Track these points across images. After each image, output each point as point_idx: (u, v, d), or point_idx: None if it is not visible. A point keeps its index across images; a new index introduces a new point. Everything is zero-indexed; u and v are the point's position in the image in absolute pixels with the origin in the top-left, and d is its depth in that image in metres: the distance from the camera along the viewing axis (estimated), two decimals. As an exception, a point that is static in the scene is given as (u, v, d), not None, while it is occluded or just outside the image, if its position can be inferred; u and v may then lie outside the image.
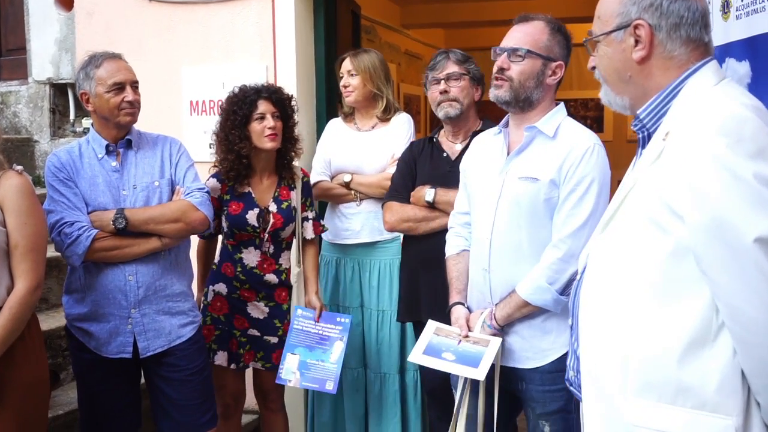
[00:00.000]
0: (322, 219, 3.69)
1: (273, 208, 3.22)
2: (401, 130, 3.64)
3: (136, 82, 2.84)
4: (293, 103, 3.30)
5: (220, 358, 3.24)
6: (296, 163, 3.38)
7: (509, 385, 2.54)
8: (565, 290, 2.41)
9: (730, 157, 1.40)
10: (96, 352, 2.82)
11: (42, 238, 2.52)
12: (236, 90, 3.21)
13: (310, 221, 3.36)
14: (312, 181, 3.69)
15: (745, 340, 1.41)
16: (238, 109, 3.13)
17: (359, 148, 3.64)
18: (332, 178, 3.68)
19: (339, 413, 3.76)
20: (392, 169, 3.45)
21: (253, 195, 3.21)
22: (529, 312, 2.46)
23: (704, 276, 1.44)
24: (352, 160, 3.63)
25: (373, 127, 3.70)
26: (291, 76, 3.97)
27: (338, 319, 3.29)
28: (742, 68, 2.49)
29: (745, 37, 2.52)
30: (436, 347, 2.52)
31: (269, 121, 3.13)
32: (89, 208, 2.77)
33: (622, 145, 8.64)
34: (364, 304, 3.68)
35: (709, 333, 1.46)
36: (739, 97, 1.52)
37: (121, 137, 2.85)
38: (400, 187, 3.27)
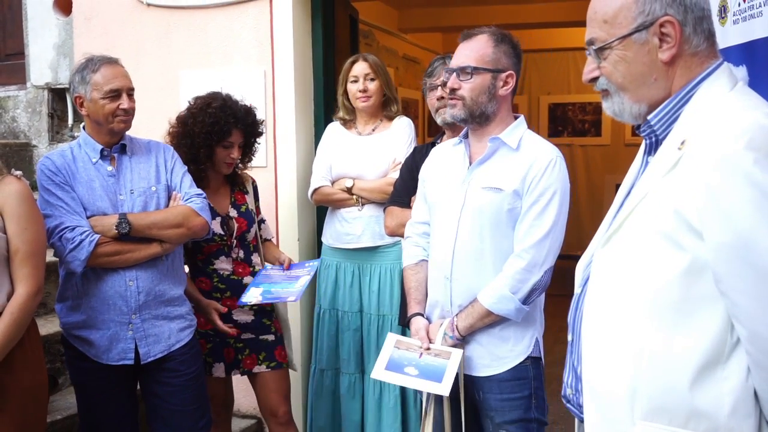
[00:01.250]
0: (323, 223, 3.72)
1: (233, 213, 3.23)
2: (402, 134, 3.64)
3: (132, 89, 2.82)
4: (261, 129, 3.32)
5: (218, 370, 3.21)
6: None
7: (467, 393, 2.54)
8: (527, 300, 2.45)
9: (759, 174, 1.32)
10: (96, 360, 2.79)
11: (42, 243, 2.52)
12: (216, 106, 3.14)
13: (266, 222, 3.44)
14: (313, 186, 3.71)
15: (764, 365, 1.35)
16: (213, 133, 3.11)
17: (361, 153, 3.65)
18: (333, 183, 3.69)
19: (336, 418, 3.75)
20: (394, 174, 3.46)
21: (211, 205, 3.18)
22: (491, 321, 2.48)
23: (724, 297, 1.37)
24: (354, 164, 3.63)
25: (373, 131, 3.70)
26: (289, 80, 3.97)
27: (306, 264, 3.31)
28: (739, 73, 2.50)
29: (742, 42, 2.52)
30: (398, 362, 2.50)
31: (234, 152, 3.16)
32: (87, 213, 2.75)
33: (620, 149, 8.66)
34: (363, 309, 3.67)
35: (722, 354, 1.40)
36: (761, 106, 1.44)
37: (115, 142, 2.83)
38: (402, 193, 3.28)
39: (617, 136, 8.69)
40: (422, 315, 2.64)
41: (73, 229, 2.68)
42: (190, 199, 2.87)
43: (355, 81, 3.63)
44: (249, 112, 3.24)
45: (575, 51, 8.48)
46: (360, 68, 3.62)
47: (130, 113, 2.79)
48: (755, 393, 1.40)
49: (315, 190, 3.70)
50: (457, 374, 2.46)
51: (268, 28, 4.00)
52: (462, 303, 2.52)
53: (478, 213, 2.48)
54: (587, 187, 8.78)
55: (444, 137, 3.28)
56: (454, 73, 2.51)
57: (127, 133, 2.90)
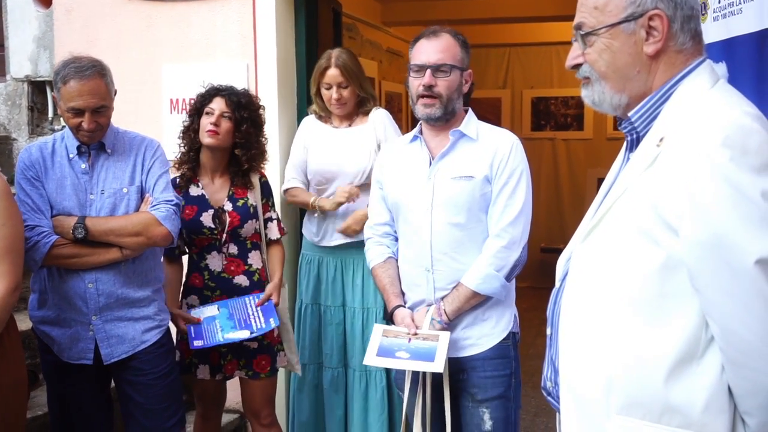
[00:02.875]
0: (301, 220, 3.71)
1: (228, 207, 3.17)
2: (380, 127, 3.63)
3: (101, 106, 2.69)
4: (261, 112, 3.27)
5: (203, 372, 3.19)
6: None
7: (451, 377, 2.61)
8: (509, 276, 2.59)
9: (734, 172, 1.33)
10: (58, 356, 2.78)
11: (20, 239, 2.49)
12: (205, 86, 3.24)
13: (275, 221, 3.32)
14: (284, 186, 3.72)
15: (737, 362, 1.37)
16: (197, 100, 3.17)
17: (338, 148, 3.63)
18: (311, 181, 3.69)
19: (319, 413, 3.75)
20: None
21: (206, 197, 3.17)
22: (476, 302, 2.58)
23: (698, 294, 1.39)
24: (332, 160, 3.62)
25: (350, 125, 3.69)
26: (272, 74, 3.96)
27: (270, 320, 3.13)
28: (719, 69, 2.52)
29: (722, 38, 2.55)
30: (389, 348, 2.56)
31: (212, 117, 3.11)
32: (53, 212, 2.73)
33: (602, 143, 8.68)
34: (346, 303, 3.67)
35: (696, 350, 1.41)
36: (741, 104, 1.45)
37: (93, 142, 2.79)
38: None
39: (599, 131, 8.71)
40: (403, 306, 2.68)
41: (33, 228, 2.66)
42: (157, 205, 2.80)
43: (329, 88, 3.59)
44: (234, 87, 3.23)
45: (558, 45, 8.49)
46: (332, 76, 3.57)
47: (94, 130, 2.71)
48: (729, 389, 1.41)
49: (285, 191, 3.74)
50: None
51: (251, 21, 3.98)
52: (445, 291, 2.60)
53: (451, 202, 2.57)
54: (569, 180, 8.80)
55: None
56: (428, 70, 2.55)
57: (117, 125, 2.86)
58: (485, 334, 2.62)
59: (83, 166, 2.78)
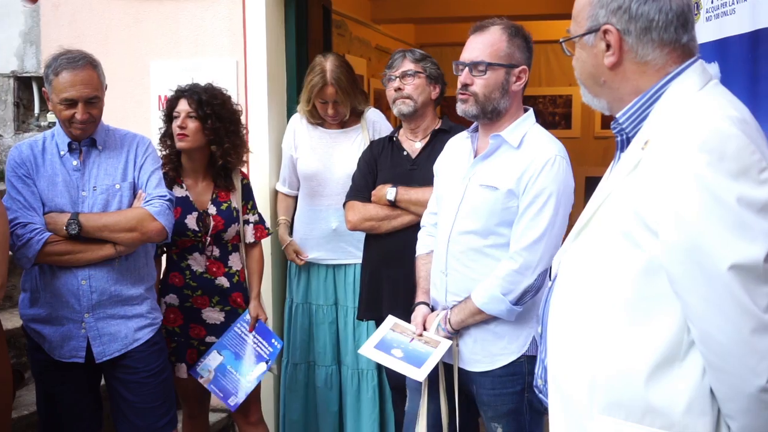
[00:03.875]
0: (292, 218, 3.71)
1: (212, 210, 3.16)
2: (372, 128, 3.62)
3: (94, 96, 2.69)
4: (230, 104, 3.22)
5: (180, 371, 3.18)
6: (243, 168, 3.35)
7: (463, 386, 2.56)
8: (519, 301, 2.43)
9: (710, 177, 1.33)
10: (49, 355, 2.76)
11: (4, 237, 2.47)
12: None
13: (251, 225, 3.29)
14: (277, 187, 3.73)
15: (716, 366, 1.38)
16: (166, 106, 3.15)
17: (330, 150, 3.61)
18: (300, 183, 3.70)
19: (310, 412, 3.74)
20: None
21: (190, 198, 3.14)
22: (482, 319, 2.48)
23: (677, 297, 1.40)
24: (323, 163, 3.60)
25: (342, 126, 3.66)
26: (262, 71, 3.93)
27: (273, 341, 3.22)
28: (711, 69, 2.50)
29: (714, 38, 2.55)
30: (388, 343, 2.55)
31: (179, 121, 3.09)
32: (45, 209, 2.71)
33: (590, 141, 8.71)
34: (338, 301, 3.66)
35: (678, 352, 1.42)
36: (725, 107, 1.44)
37: (85, 136, 2.77)
38: (362, 187, 3.27)
39: (587, 129, 8.74)
40: (427, 304, 2.65)
41: (25, 225, 2.63)
42: (150, 200, 2.78)
43: (325, 103, 3.56)
44: (197, 85, 3.17)
45: (546, 44, 8.50)
46: (329, 94, 3.53)
47: (87, 122, 2.70)
48: (712, 392, 1.41)
49: (277, 193, 3.78)
50: (451, 365, 2.51)
51: (240, 17, 3.95)
52: (457, 297, 2.52)
53: (474, 210, 2.47)
54: (557, 179, 8.84)
55: (401, 130, 3.29)
56: (466, 68, 2.47)
57: (106, 122, 2.84)
58: (497, 352, 2.50)
59: (75, 163, 2.76)
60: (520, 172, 2.41)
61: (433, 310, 2.63)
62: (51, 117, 4.38)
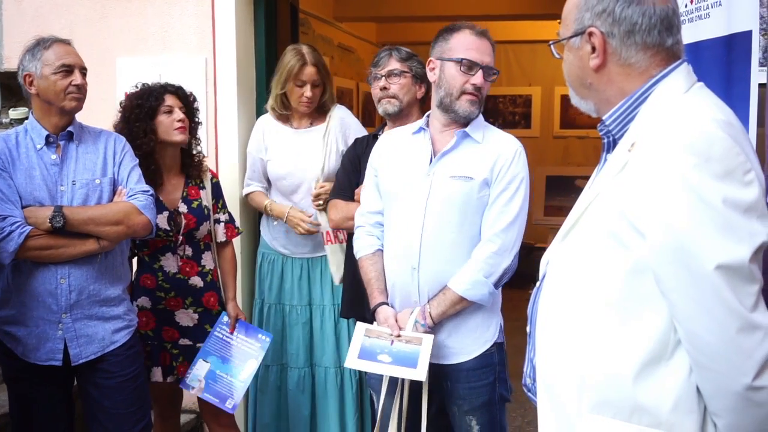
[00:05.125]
0: (260, 217, 3.69)
1: (183, 208, 3.13)
2: (340, 125, 3.60)
3: (85, 68, 2.74)
4: (195, 104, 3.24)
5: (156, 374, 3.14)
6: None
7: (434, 383, 2.59)
8: (498, 283, 2.54)
9: (696, 178, 1.36)
10: (23, 359, 2.68)
11: None
12: (139, 86, 3.14)
13: (222, 224, 3.27)
14: (244, 191, 3.69)
15: (702, 365, 1.40)
16: (144, 102, 3.05)
17: (299, 150, 3.58)
18: (271, 182, 3.66)
19: (282, 414, 3.71)
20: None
21: (160, 198, 3.09)
22: (462, 308, 2.53)
23: (664, 297, 1.42)
24: (294, 163, 3.57)
25: (311, 124, 3.64)
26: (231, 69, 3.89)
27: (260, 336, 3.23)
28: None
29: (689, 42, 2.59)
30: (370, 350, 2.52)
31: (178, 114, 3.07)
32: (23, 203, 2.62)
33: (549, 141, 8.84)
34: (312, 301, 3.63)
35: (665, 351, 1.44)
36: (711, 109, 1.47)
37: (63, 127, 2.71)
38: (345, 185, 3.26)
39: (546, 129, 8.86)
40: (387, 304, 2.64)
41: (4, 218, 2.55)
42: (134, 195, 2.75)
43: (302, 85, 3.51)
44: (171, 83, 3.18)
45: (507, 44, 8.60)
46: (309, 73, 3.49)
47: (82, 90, 2.70)
48: (698, 391, 1.44)
49: (246, 195, 3.74)
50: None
51: (209, 14, 3.90)
52: (431, 292, 2.55)
53: (447, 202, 2.53)
54: (517, 178, 8.94)
55: (386, 128, 3.27)
56: (481, 71, 2.55)
57: (78, 120, 2.79)
58: (470, 342, 2.59)
59: (53, 156, 2.70)
60: (491, 162, 2.54)
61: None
62: (13, 113, 4.27)
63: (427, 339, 2.49)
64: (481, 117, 2.65)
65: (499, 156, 2.55)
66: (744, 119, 2.32)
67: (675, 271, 1.39)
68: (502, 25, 8.35)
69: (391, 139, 2.80)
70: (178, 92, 3.12)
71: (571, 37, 1.61)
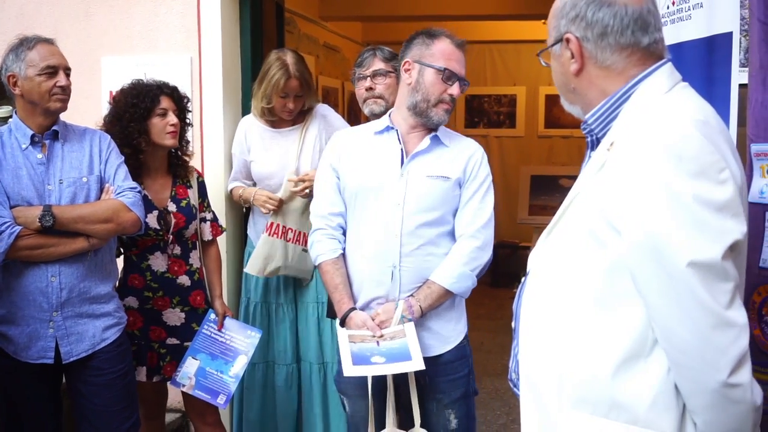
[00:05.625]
0: (247, 215, 3.67)
1: (172, 207, 3.13)
2: (323, 123, 3.60)
3: (69, 68, 2.73)
4: (189, 105, 3.25)
5: (140, 374, 3.13)
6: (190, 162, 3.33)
7: (407, 381, 2.62)
8: (478, 276, 2.66)
9: (670, 177, 1.38)
10: (15, 357, 2.68)
11: None
12: (134, 83, 3.11)
13: (208, 222, 3.29)
14: (229, 186, 3.70)
15: (679, 362, 1.42)
16: (139, 102, 3.03)
17: (284, 149, 3.58)
18: (254, 183, 3.67)
19: (268, 412, 3.71)
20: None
21: (149, 197, 3.09)
22: (443, 301, 2.61)
23: (640, 294, 1.44)
24: (280, 162, 3.57)
25: (294, 124, 3.64)
26: (217, 68, 3.89)
27: (249, 332, 3.24)
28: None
29: (671, 43, 2.62)
30: (361, 355, 2.52)
31: (172, 118, 3.06)
32: (11, 203, 2.62)
33: (533, 140, 8.88)
34: (297, 298, 3.64)
35: (644, 348, 1.46)
36: (690, 109, 1.49)
37: (47, 127, 2.71)
38: None
39: (531, 128, 8.90)
40: (355, 309, 2.65)
41: None
42: (122, 192, 2.76)
43: (285, 96, 3.49)
44: (169, 83, 3.17)
45: (491, 44, 8.63)
46: (293, 87, 3.47)
47: (67, 91, 2.69)
48: (677, 389, 1.45)
49: (230, 191, 3.76)
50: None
51: (195, 13, 3.90)
52: (409, 289, 2.60)
53: (426, 200, 2.59)
54: (501, 177, 8.93)
55: None
56: (458, 82, 2.61)
57: (62, 118, 2.78)
58: (447, 335, 2.66)
59: (39, 156, 2.70)
60: (463, 163, 2.65)
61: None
62: (-2, 112, 4.25)
63: (410, 327, 2.53)
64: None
65: (470, 158, 2.67)
66: (725, 119, 2.35)
67: (650, 269, 1.41)
68: (487, 25, 8.38)
69: (348, 138, 2.79)
70: (174, 94, 3.12)
71: (553, 45, 1.65)
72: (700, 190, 1.37)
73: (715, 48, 2.42)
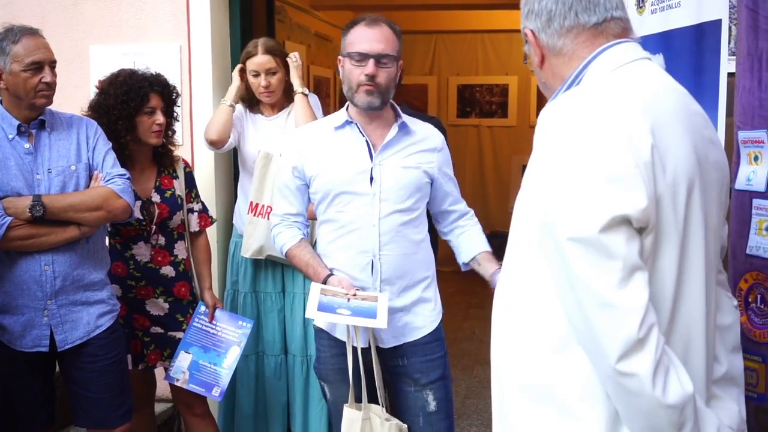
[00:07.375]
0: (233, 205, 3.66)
1: (156, 198, 3.12)
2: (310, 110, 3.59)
3: (54, 61, 2.70)
4: (178, 100, 3.23)
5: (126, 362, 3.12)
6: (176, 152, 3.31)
7: (387, 363, 2.67)
8: None
9: (560, 151, 1.39)
10: (9, 346, 2.68)
11: None
12: (124, 75, 3.06)
13: (195, 213, 3.27)
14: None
15: (581, 344, 1.40)
16: (129, 99, 3.00)
17: (272, 137, 3.57)
18: (240, 169, 3.67)
19: (259, 403, 3.72)
20: None
21: (133, 188, 3.05)
22: None
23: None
24: (264, 146, 3.57)
25: (281, 110, 3.63)
26: (206, 57, 3.88)
27: (240, 323, 3.24)
28: (656, 61, 2.60)
29: (659, 31, 2.63)
30: (329, 305, 2.51)
31: (159, 117, 3.04)
32: (0, 194, 2.62)
33: (525, 129, 8.86)
34: (286, 288, 3.64)
35: (572, 337, 1.42)
36: (626, 83, 1.47)
37: (33, 117, 2.69)
38: None
39: (523, 118, 8.89)
40: (333, 274, 2.63)
41: None
42: (111, 179, 2.75)
43: (257, 75, 3.49)
44: (160, 76, 3.14)
45: (483, 33, 8.61)
46: (260, 62, 3.47)
47: (52, 87, 2.67)
48: None
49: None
50: (370, 345, 2.58)
51: (184, 1, 3.89)
52: (389, 277, 2.60)
53: (402, 189, 2.62)
54: (494, 167, 8.96)
55: None
56: (372, 60, 2.54)
57: (51, 108, 2.77)
58: (427, 317, 2.69)
59: (27, 146, 2.68)
60: (431, 149, 2.71)
61: None
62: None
63: (383, 296, 2.53)
64: (396, 106, 2.71)
65: (437, 144, 2.74)
66: (713, 108, 2.35)
67: (547, 247, 1.42)
68: (479, 15, 8.36)
69: (309, 137, 2.75)
70: (163, 92, 3.09)
71: (525, 43, 1.68)
72: (587, 163, 1.35)
73: (703, 36, 2.43)
